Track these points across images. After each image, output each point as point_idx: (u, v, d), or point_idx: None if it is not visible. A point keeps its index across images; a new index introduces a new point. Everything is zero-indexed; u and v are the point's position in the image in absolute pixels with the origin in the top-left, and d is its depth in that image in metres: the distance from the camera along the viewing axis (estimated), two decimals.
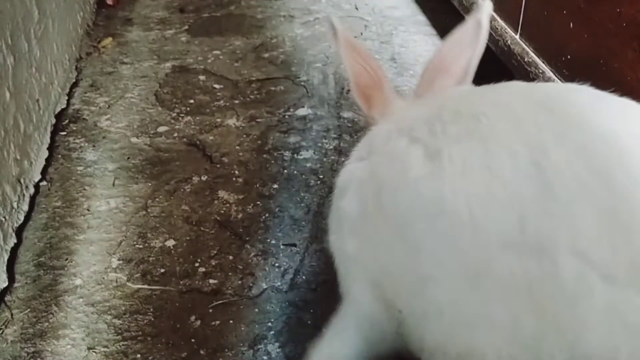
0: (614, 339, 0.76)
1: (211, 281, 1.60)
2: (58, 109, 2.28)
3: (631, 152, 0.81)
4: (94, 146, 2.13)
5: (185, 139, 2.17)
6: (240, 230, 1.77)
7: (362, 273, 1.10)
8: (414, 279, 0.94)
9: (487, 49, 2.28)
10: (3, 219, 1.65)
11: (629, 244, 0.76)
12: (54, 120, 2.21)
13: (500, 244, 0.83)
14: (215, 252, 1.69)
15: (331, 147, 2.12)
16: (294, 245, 1.72)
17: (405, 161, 0.97)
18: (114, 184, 1.94)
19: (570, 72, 1.73)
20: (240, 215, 1.83)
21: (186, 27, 3.02)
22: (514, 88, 1.06)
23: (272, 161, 2.06)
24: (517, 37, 2.03)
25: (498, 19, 2.16)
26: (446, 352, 0.92)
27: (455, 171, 0.90)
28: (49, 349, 1.42)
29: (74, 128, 2.22)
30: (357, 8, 3.17)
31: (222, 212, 1.84)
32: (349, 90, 2.44)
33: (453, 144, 0.92)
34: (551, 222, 0.80)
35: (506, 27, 2.10)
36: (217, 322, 1.49)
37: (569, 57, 1.73)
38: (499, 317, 0.83)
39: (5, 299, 1.55)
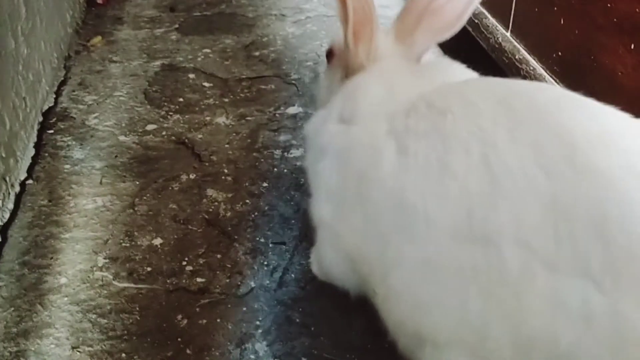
0: (555, 325, 0.79)
1: (198, 280, 1.58)
2: (46, 107, 2.25)
3: (582, 148, 0.84)
4: (81, 144, 2.10)
5: (173, 137, 2.15)
6: (229, 228, 1.75)
7: (336, 241, 1.19)
8: (382, 265, 1.03)
9: (478, 47, 2.29)
10: None
11: (571, 234, 0.80)
12: (41, 119, 2.18)
13: (450, 236, 0.89)
14: (202, 250, 1.67)
15: None
16: (283, 243, 1.70)
17: (380, 155, 1.04)
18: (101, 182, 1.92)
19: (561, 69, 1.72)
20: (229, 214, 1.81)
21: (176, 25, 3.00)
22: (484, 85, 1.10)
23: (262, 160, 2.04)
24: (508, 34, 2.02)
25: (489, 16, 2.15)
26: (404, 331, 1.01)
27: (418, 167, 0.97)
28: (33, 349, 1.40)
29: (62, 126, 2.20)
30: None
31: (211, 210, 1.82)
32: None
33: (419, 140, 0.99)
34: (497, 214, 0.85)
35: (497, 24, 2.09)
36: (204, 321, 1.47)
37: (560, 53, 1.72)
38: (448, 304, 0.90)
39: None
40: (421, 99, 1.06)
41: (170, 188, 1.91)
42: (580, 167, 0.83)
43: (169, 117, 2.26)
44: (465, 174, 0.90)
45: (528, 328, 0.82)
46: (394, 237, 0.99)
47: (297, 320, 1.47)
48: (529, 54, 1.89)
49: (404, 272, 0.97)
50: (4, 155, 1.77)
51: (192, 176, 1.96)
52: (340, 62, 1.36)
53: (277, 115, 2.28)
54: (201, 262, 1.63)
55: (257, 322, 1.46)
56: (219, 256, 1.65)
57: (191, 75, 2.54)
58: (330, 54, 1.45)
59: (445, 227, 0.90)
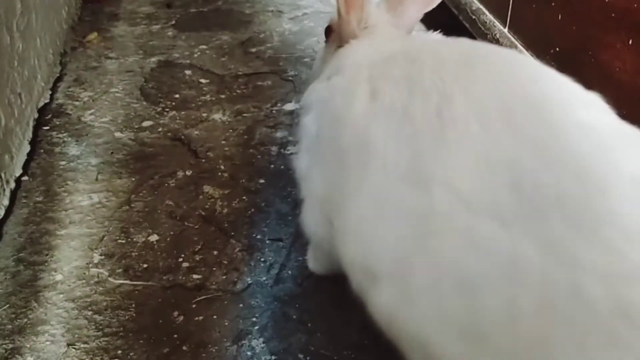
0: (465, 260, 0.87)
1: (195, 276, 1.57)
2: (41, 104, 2.24)
3: (518, 112, 0.94)
4: (77, 141, 2.09)
5: (170, 134, 2.14)
6: (225, 225, 1.74)
7: (311, 190, 1.26)
8: (341, 199, 1.09)
9: None
10: None
11: (492, 183, 0.88)
12: (36, 115, 2.17)
13: (397, 177, 0.98)
14: (199, 247, 1.66)
15: None
16: (280, 240, 1.69)
17: (355, 96, 1.11)
18: (97, 179, 1.91)
19: (558, 65, 1.71)
20: (225, 210, 1.80)
21: (173, 22, 2.99)
22: (456, 43, 1.19)
23: (259, 156, 2.04)
24: (506, 30, 2.01)
25: (486, 12, 2.15)
26: (354, 267, 1.08)
27: (384, 109, 1.05)
28: (28, 346, 1.39)
29: (57, 122, 2.19)
30: None
31: (207, 207, 1.81)
32: None
33: (390, 85, 1.07)
34: (435, 160, 0.94)
35: (495, 20, 2.09)
36: (201, 317, 1.46)
37: (557, 49, 1.71)
38: (387, 240, 0.98)
39: None
40: (401, 50, 1.15)
41: (166, 184, 1.90)
42: (511, 127, 0.92)
43: (165, 113, 2.26)
44: (420, 121, 0.98)
45: (442, 265, 0.90)
46: (354, 173, 1.06)
47: (294, 316, 1.47)
48: (526, 50, 1.88)
49: (358, 206, 1.04)
50: None
51: (188, 173, 1.95)
52: (336, 35, 1.41)
53: (273, 111, 2.27)
54: (197, 258, 1.63)
55: (254, 319, 1.46)
56: (215, 253, 1.65)
57: (187, 72, 2.54)
58: (328, 31, 1.49)
59: (396, 168, 0.98)
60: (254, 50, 2.72)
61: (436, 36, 1.37)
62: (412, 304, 0.94)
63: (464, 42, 1.18)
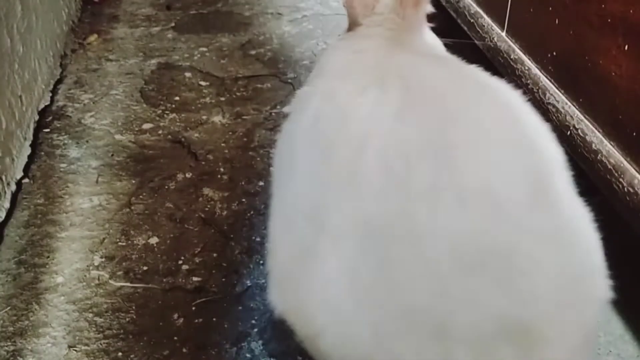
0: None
1: (194, 279, 1.58)
2: (42, 106, 2.25)
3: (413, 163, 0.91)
4: (77, 143, 2.10)
5: (170, 136, 2.15)
6: (225, 227, 1.76)
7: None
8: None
9: (474, 46, 2.29)
10: None
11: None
12: (37, 117, 2.18)
13: (302, 215, 1.01)
14: (199, 249, 1.68)
15: None
16: None
17: (302, 115, 1.08)
18: (97, 181, 1.92)
19: (555, 69, 1.73)
20: (225, 213, 1.81)
21: (172, 24, 3.00)
22: (446, 67, 1.13)
23: (258, 158, 2.05)
24: (503, 34, 2.02)
25: (484, 16, 2.16)
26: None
27: (314, 140, 1.03)
28: (29, 347, 1.40)
29: (58, 125, 2.20)
30: None
31: (207, 209, 1.82)
32: None
33: (328, 115, 1.03)
34: (332, 213, 0.95)
35: (492, 24, 2.10)
36: (200, 319, 1.48)
37: (554, 53, 1.72)
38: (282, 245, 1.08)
39: None
40: (370, 69, 1.10)
41: (166, 187, 1.91)
42: (396, 181, 0.90)
43: (165, 115, 2.27)
44: (335, 165, 0.96)
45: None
46: (283, 183, 1.11)
47: None
48: (524, 53, 1.89)
49: (274, 209, 1.11)
50: (0, 154, 1.77)
51: (188, 175, 1.96)
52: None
53: (273, 114, 2.28)
54: (197, 261, 1.64)
55: (253, 321, 1.47)
56: (215, 255, 1.66)
57: (187, 74, 2.55)
58: None
59: (302, 204, 1.01)
60: (253, 52, 2.73)
61: (434, 45, 1.32)
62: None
63: (444, 67, 1.10)
